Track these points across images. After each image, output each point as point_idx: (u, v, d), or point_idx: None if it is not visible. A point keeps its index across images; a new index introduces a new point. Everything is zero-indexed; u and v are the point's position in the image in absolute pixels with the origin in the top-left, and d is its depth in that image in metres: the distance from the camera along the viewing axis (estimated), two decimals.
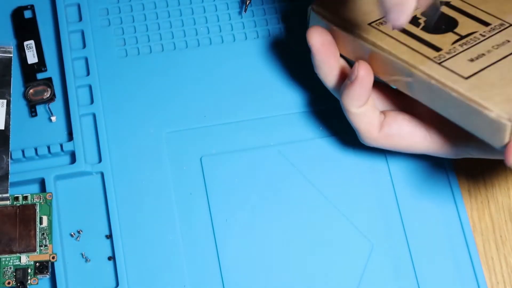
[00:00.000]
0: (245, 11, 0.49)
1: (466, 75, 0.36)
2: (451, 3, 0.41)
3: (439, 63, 0.37)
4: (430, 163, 0.45)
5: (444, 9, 0.41)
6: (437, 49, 0.38)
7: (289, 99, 0.47)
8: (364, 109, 0.40)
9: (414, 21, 0.40)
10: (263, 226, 0.44)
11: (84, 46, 0.47)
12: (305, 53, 0.48)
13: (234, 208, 0.44)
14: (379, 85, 0.42)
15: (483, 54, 0.37)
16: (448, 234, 0.44)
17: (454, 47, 0.38)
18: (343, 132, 0.46)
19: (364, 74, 0.38)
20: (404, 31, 0.39)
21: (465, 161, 0.45)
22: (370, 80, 0.38)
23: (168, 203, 0.44)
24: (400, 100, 0.42)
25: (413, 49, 0.38)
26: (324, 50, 0.40)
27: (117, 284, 0.42)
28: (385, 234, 0.44)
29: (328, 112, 0.46)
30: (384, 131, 0.40)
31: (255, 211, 0.44)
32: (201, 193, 0.44)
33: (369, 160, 0.45)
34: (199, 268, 0.43)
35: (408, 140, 0.40)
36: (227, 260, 0.43)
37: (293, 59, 0.48)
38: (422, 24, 0.40)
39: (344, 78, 0.41)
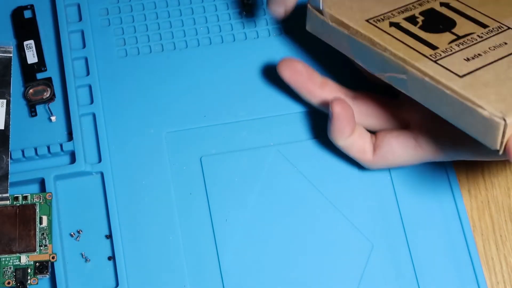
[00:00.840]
0: (245, 11, 0.49)
1: (461, 73, 0.36)
2: (450, 4, 0.41)
3: (435, 61, 0.37)
4: (430, 163, 0.45)
5: (443, 10, 0.41)
6: (434, 47, 0.38)
7: (289, 99, 0.47)
8: (352, 139, 0.42)
9: (411, 20, 0.40)
10: (263, 226, 0.44)
11: (84, 46, 0.47)
12: (306, 53, 0.48)
13: (234, 208, 0.44)
14: (366, 104, 0.43)
15: (479, 55, 0.37)
16: (448, 234, 0.44)
17: (451, 46, 0.38)
18: None
19: (339, 110, 0.40)
20: (402, 28, 0.39)
21: (465, 161, 0.45)
22: (348, 114, 0.40)
23: (168, 203, 0.44)
24: (389, 116, 0.43)
25: (409, 46, 0.38)
26: (295, 78, 0.43)
27: (117, 284, 0.42)
28: (385, 234, 0.44)
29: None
30: (377, 153, 0.42)
31: (255, 211, 0.44)
32: (201, 193, 0.44)
33: None
34: (199, 268, 0.43)
35: (402, 155, 0.41)
36: (227, 260, 0.43)
37: None
38: (420, 23, 0.40)
39: (326, 102, 0.42)
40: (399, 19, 0.40)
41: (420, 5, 0.41)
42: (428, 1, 0.42)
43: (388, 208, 0.45)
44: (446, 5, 0.41)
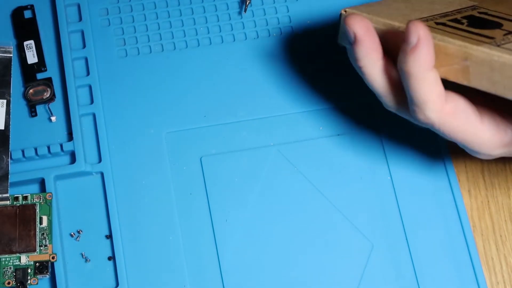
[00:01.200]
0: (245, 11, 0.49)
1: None
2: (488, 13, 0.40)
3: (497, 46, 0.35)
4: (431, 163, 0.46)
5: (483, 16, 0.39)
6: (490, 38, 0.36)
7: (289, 99, 0.47)
8: (436, 73, 0.35)
9: (456, 21, 0.38)
10: (263, 226, 0.44)
11: (84, 46, 0.47)
12: (305, 53, 0.48)
13: (234, 208, 0.44)
14: None
15: None
16: (448, 234, 0.44)
17: (508, 37, 0.36)
18: (343, 132, 0.46)
19: (426, 32, 0.34)
20: (450, 26, 0.37)
21: (465, 161, 0.46)
22: (432, 38, 0.35)
23: (168, 203, 0.44)
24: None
25: (465, 36, 0.35)
26: (369, 38, 0.36)
27: (117, 284, 0.42)
28: (385, 234, 0.44)
29: (328, 112, 0.46)
30: (451, 105, 0.36)
31: (255, 211, 0.44)
32: (201, 193, 0.44)
33: (369, 160, 0.45)
34: (199, 268, 0.43)
35: (470, 120, 0.37)
36: (227, 260, 0.43)
37: (293, 59, 0.48)
38: (466, 24, 0.38)
39: (389, 71, 0.37)
40: (443, 20, 0.38)
41: (459, 12, 0.40)
42: (465, 10, 0.40)
43: (388, 208, 0.45)
44: (485, 13, 0.40)
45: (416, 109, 0.37)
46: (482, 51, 0.34)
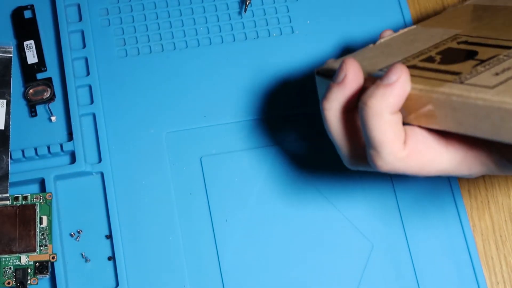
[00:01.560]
0: (245, 11, 0.49)
1: (491, 85, 0.33)
2: (468, 41, 0.39)
3: (460, 83, 0.34)
4: None
5: (461, 46, 0.38)
6: (456, 73, 0.35)
7: (289, 99, 0.47)
8: (399, 116, 0.34)
9: (429, 59, 0.37)
10: (263, 226, 0.44)
11: (84, 46, 0.47)
12: (305, 53, 0.48)
13: (234, 208, 0.44)
14: None
15: (509, 68, 0.34)
16: (448, 234, 0.44)
17: (476, 69, 0.35)
18: None
19: (407, 78, 0.34)
20: (419, 68, 0.37)
21: None
22: (410, 87, 0.34)
23: (168, 203, 0.44)
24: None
25: (429, 78, 0.35)
26: (353, 87, 0.36)
27: (117, 284, 0.42)
28: (385, 234, 0.44)
29: None
30: (410, 145, 0.35)
31: (255, 211, 0.44)
32: (201, 193, 0.44)
33: None
34: (199, 268, 0.43)
35: (433, 151, 0.35)
36: (227, 260, 0.43)
37: (292, 59, 0.48)
38: (438, 60, 0.37)
39: (350, 125, 0.37)
40: (415, 62, 0.37)
41: (435, 47, 0.39)
42: (444, 44, 0.39)
43: (388, 208, 0.45)
44: (464, 42, 0.39)
45: (373, 154, 0.35)
46: (442, 93, 0.34)
